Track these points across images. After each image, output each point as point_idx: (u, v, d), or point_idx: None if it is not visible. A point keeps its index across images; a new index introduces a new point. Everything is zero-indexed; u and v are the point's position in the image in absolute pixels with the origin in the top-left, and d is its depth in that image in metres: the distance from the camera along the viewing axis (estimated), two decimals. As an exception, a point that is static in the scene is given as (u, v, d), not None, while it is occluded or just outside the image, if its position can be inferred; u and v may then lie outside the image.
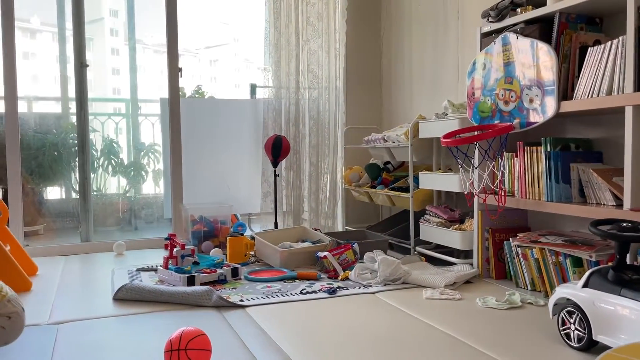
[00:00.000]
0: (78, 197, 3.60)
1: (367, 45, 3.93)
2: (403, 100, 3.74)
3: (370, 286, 2.37)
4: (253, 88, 3.85)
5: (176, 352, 1.42)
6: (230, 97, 4.24)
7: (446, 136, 2.38)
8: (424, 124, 2.90)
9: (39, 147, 3.91)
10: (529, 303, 2.10)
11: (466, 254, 2.72)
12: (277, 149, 3.32)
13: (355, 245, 2.71)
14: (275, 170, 3.41)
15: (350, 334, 1.80)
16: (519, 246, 2.31)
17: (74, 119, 4.10)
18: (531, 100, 2.21)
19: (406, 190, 3.06)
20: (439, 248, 2.85)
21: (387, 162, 3.59)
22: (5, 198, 3.14)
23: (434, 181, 2.84)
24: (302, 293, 2.28)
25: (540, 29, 2.21)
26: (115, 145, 4.23)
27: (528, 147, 2.27)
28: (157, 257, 3.06)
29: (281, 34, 3.60)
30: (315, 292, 2.29)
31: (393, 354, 1.63)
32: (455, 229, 2.66)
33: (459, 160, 2.43)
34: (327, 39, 3.71)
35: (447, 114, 2.78)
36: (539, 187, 2.22)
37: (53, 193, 4.21)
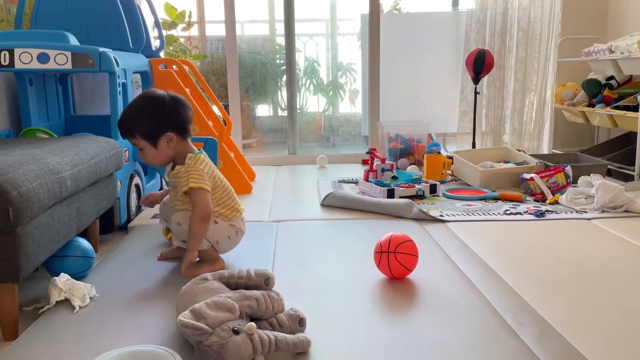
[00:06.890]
0: (285, 114, 3.89)
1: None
2: (637, 3, 3.15)
3: (585, 212, 2.16)
4: (455, -1, 3.62)
5: (385, 254, 1.48)
6: (429, 10, 4.05)
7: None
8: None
9: (252, 67, 4.28)
10: None
11: None
12: (480, 64, 3.12)
13: (568, 168, 2.47)
14: (475, 88, 3.23)
15: (562, 258, 1.68)
16: None
17: (279, 40, 4.38)
18: None
19: (634, 109, 2.66)
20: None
21: (610, 78, 3.12)
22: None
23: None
24: (505, 214, 2.18)
25: None
26: (316, 64, 4.42)
27: None
28: (354, 171, 3.20)
29: None
30: (520, 213, 2.18)
31: (612, 283, 1.49)
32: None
33: None
34: None
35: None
36: None
37: (263, 110, 4.64)
